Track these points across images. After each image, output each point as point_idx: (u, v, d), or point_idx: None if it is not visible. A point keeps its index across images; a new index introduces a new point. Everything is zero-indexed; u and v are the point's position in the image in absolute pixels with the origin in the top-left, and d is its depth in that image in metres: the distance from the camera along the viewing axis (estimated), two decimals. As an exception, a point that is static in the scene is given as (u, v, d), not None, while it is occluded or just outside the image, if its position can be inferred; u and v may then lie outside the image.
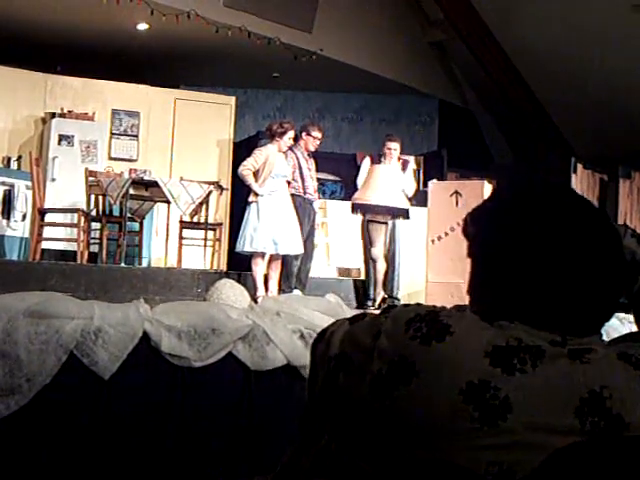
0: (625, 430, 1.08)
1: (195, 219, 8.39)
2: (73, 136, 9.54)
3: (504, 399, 1.08)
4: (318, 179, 8.34)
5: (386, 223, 7.82)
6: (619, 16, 9.28)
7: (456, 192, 7.78)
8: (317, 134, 7.66)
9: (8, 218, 8.94)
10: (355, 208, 7.88)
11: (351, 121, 13.07)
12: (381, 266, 7.81)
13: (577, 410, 1.08)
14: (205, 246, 8.41)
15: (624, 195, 10.70)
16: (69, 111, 9.73)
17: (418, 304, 1.21)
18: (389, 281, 8.00)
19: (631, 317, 1.37)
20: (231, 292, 6.32)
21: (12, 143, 9.79)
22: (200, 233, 8.45)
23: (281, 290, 7.16)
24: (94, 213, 8.05)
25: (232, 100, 10.89)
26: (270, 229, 6.91)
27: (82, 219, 7.74)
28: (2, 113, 9.71)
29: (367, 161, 8.08)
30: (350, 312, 4.37)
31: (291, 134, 7.18)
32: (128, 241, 7.91)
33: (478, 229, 1.24)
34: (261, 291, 6.93)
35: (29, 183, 8.32)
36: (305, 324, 4.41)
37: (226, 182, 9.95)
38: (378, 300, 7.84)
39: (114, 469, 3.80)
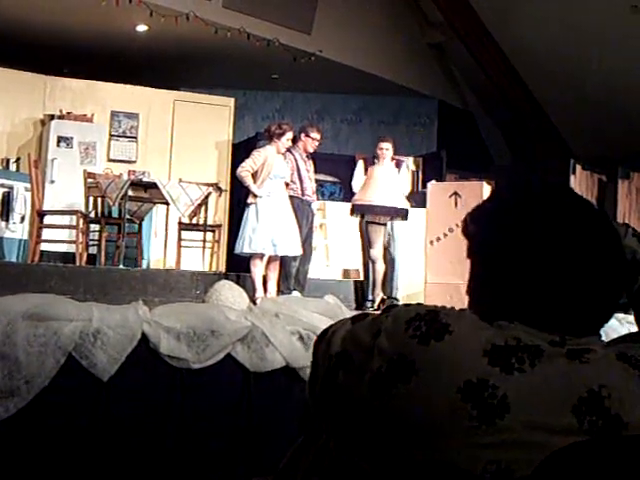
0: (624, 430, 1.08)
1: (194, 221, 8.39)
2: (72, 138, 9.54)
3: (502, 398, 1.08)
4: (317, 180, 8.33)
5: (385, 224, 7.82)
6: (617, 16, 9.29)
7: (455, 193, 7.78)
8: (316, 135, 7.66)
9: (7, 220, 8.93)
10: (355, 210, 7.88)
11: (350, 122, 13.08)
12: (380, 267, 7.81)
13: (575, 409, 1.08)
14: (204, 248, 8.41)
15: (623, 196, 10.70)
16: (68, 113, 9.73)
17: (419, 304, 1.21)
18: (388, 282, 8.00)
19: (630, 317, 1.37)
20: (230, 294, 6.31)
21: (11, 145, 9.79)
22: (199, 235, 8.44)
23: (280, 291, 7.16)
24: (93, 215, 8.05)
25: (231, 102, 10.90)
26: (269, 230, 6.91)
27: (81, 221, 7.74)
28: (1, 115, 9.72)
29: (360, 164, 8.09)
30: (349, 313, 4.37)
31: (289, 135, 7.18)
32: (127, 243, 7.91)
33: (478, 229, 1.24)
34: (260, 292, 6.92)
35: (28, 185, 8.32)
36: (304, 325, 4.41)
37: (225, 184, 9.95)
38: (377, 301, 7.85)
39: (114, 471, 3.79)
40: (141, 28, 10.08)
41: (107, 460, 3.77)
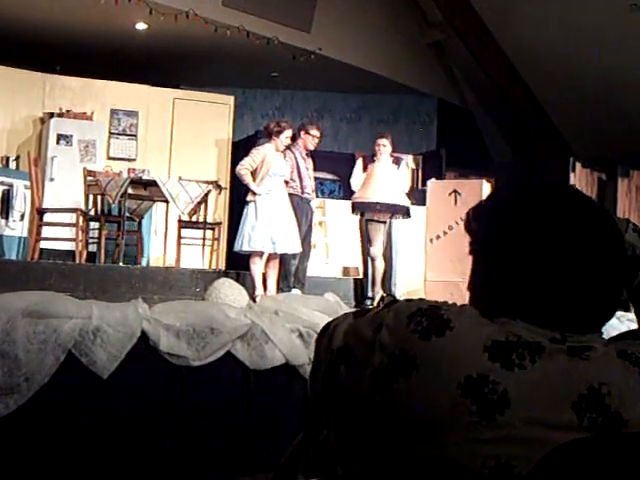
0: (623, 427, 1.08)
1: (194, 218, 8.39)
2: (72, 136, 9.54)
3: (502, 393, 1.08)
4: (317, 178, 8.33)
5: (385, 222, 7.82)
6: (617, 16, 9.28)
7: (455, 191, 7.79)
8: (316, 133, 7.66)
9: (7, 218, 8.94)
10: (355, 208, 7.88)
11: (350, 121, 13.08)
12: (380, 265, 7.81)
13: (575, 406, 1.08)
14: (204, 245, 8.41)
15: (622, 194, 10.71)
16: (67, 111, 9.72)
17: (421, 299, 1.21)
18: (387, 279, 8.01)
19: (629, 315, 1.37)
20: (230, 291, 6.32)
21: (11, 143, 9.79)
22: (199, 232, 8.44)
23: (280, 289, 7.16)
24: (93, 213, 8.04)
25: (231, 100, 10.90)
26: (268, 228, 6.91)
27: (81, 219, 7.73)
28: (1, 113, 9.72)
29: (359, 162, 8.09)
30: (349, 311, 4.37)
31: (288, 133, 7.17)
32: (127, 240, 7.90)
33: (479, 227, 1.24)
34: (259, 290, 6.92)
35: (27, 183, 8.31)
36: (304, 323, 4.42)
37: (225, 181, 9.95)
38: (377, 299, 7.85)
39: (113, 468, 3.80)
40: (141, 26, 10.07)
41: (107, 457, 3.78)
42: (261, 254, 7.01)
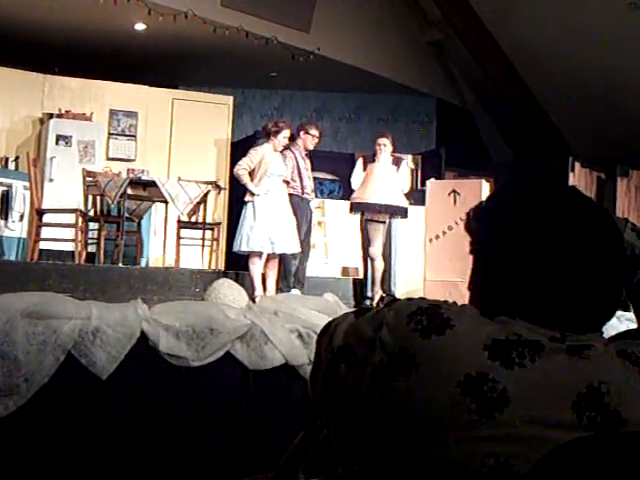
0: (623, 426, 1.09)
1: (193, 219, 8.39)
2: (71, 136, 9.54)
3: (502, 392, 1.08)
4: (316, 178, 8.33)
5: (384, 222, 7.82)
6: (616, 16, 9.28)
7: (454, 191, 7.79)
8: (315, 132, 7.66)
9: (6, 218, 8.94)
10: (354, 208, 7.88)
11: (349, 120, 13.08)
12: (379, 265, 7.81)
13: (574, 404, 1.08)
14: (203, 246, 8.42)
15: (621, 193, 10.71)
16: (67, 111, 9.73)
17: (421, 298, 1.22)
18: (386, 279, 8.01)
19: (628, 315, 1.37)
20: (229, 292, 6.32)
21: (10, 143, 9.79)
22: (198, 233, 8.45)
23: (279, 289, 7.16)
24: (92, 213, 8.05)
25: (230, 100, 10.90)
26: (266, 228, 6.90)
27: (80, 219, 7.73)
28: (0, 113, 9.71)
29: (360, 162, 8.09)
30: (349, 311, 4.37)
31: (286, 133, 7.16)
32: (126, 241, 7.89)
33: (480, 226, 1.24)
34: (259, 290, 6.92)
35: (27, 183, 8.31)
36: (303, 323, 4.41)
37: (224, 182, 9.95)
38: (376, 299, 7.85)
39: (113, 469, 3.80)
40: (140, 27, 10.07)
41: (107, 458, 3.77)
42: (260, 254, 7.00)
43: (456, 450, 1.08)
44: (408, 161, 9.51)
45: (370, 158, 7.95)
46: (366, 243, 7.88)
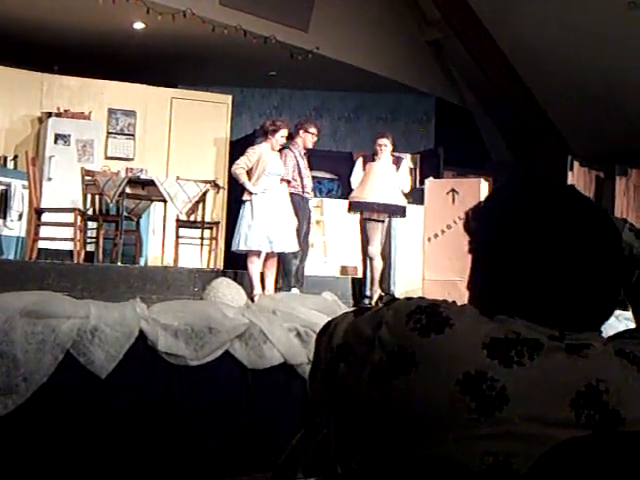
0: (621, 425, 1.09)
1: (192, 218, 8.38)
2: (69, 135, 9.53)
3: (501, 390, 1.08)
4: (315, 177, 8.33)
5: (383, 221, 7.82)
6: (616, 16, 9.28)
7: (453, 190, 7.79)
8: (314, 130, 7.65)
9: (5, 217, 8.94)
10: (352, 207, 7.88)
11: (348, 120, 13.07)
12: (378, 264, 7.81)
13: (573, 403, 1.09)
14: (202, 245, 8.42)
15: (620, 192, 10.72)
16: (65, 110, 9.72)
17: (421, 297, 1.22)
18: (385, 279, 8.01)
19: (627, 314, 1.37)
20: (228, 291, 6.31)
21: (8, 142, 9.79)
22: (197, 232, 8.44)
23: (280, 289, 7.16)
24: (91, 212, 8.04)
25: (229, 99, 10.90)
26: (264, 227, 6.90)
27: (79, 218, 7.73)
28: (-2, 113, 9.72)
29: (360, 161, 8.08)
30: (348, 310, 4.37)
31: (284, 132, 7.16)
32: (125, 240, 7.89)
33: (479, 226, 1.25)
34: (257, 290, 6.92)
35: (25, 182, 8.31)
36: (302, 322, 4.42)
37: (223, 181, 9.95)
38: (375, 298, 7.85)
39: (112, 467, 3.80)
40: (138, 26, 10.07)
41: (105, 456, 3.78)
42: (258, 253, 7.00)
43: (455, 448, 1.08)
44: (407, 160, 9.51)
45: (370, 157, 7.95)
46: (365, 242, 7.88)
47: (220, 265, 8.97)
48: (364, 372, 1.15)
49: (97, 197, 8.03)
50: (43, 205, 8.26)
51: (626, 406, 1.10)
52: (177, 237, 8.35)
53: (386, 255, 8.01)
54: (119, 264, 7.58)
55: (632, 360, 1.14)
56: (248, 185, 6.97)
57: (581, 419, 1.08)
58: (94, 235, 8.06)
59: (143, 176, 8.74)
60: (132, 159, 10.22)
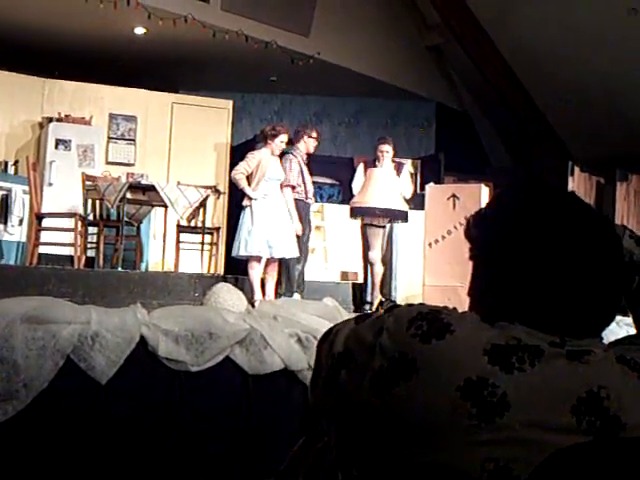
0: (622, 431, 1.09)
1: (192, 223, 8.39)
2: (70, 140, 9.53)
3: (502, 396, 1.09)
4: (315, 183, 8.34)
5: (384, 227, 7.82)
6: (616, 19, 9.28)
7: (453, 195, 7.77)
8: (315, 134, 7.67)
9: (5, 223, 8.94)
10: (354, 212, 7.88)
11: (348, 125, 13.08)
12: (379, 269, 7.80)
13: (574, 409, 1.09)
14: (202, 250, 8.42)
15: (621, 198, 10.71)
16: (66, 115, 9.73)
17: (421, 304, 1.22)
18: (386, 284, 8.00)
19: (627, 320, 1.37)
20: (228, 296, 6.31)
21: (9, 147, 9.80)
22: (197, 237, 8.45)
23: (280, 294, 7.16)
24: (91, 217, 8.05)
25: (229, 104, 10.91)
26: (264, 233, 6.89)
27: (79, 223, 7.73)
28: (-1, 117, 9.73)
29: (361, 167, 8.09)
30: (347, 316, 4.37)
31: (284, 137, 7.16)
32: (125, 245, 7.89)
33: (479, 233, 1.25)
34: (258, 295, 6.91)
35: (26, 188, 8.31)
36: (302, 328, 4.41)
37: (223, 186, 9.96)
38: (375, 303, 7.84)
39: (113, 473, 3.79)
40: (139, 31, 10.08)
41: (106, 463, 3.77)
42: (259, 259, 6.99)
43: (456, 455, 1.08)
44: (408, 166, 9.51)
45: (371, 163, 7.95)
46: (366, 248, 7.88)
47: (221, 270, 8.97)
48: (365, 379, 1.15)
49: (98, 202, 8.04)
50: (44, 210, 8.26)
51: (627, 412, 1.10)
52: (178, 242, 8.36)
53: (387, 261, 8.01)
54: (120, 269, 7.58)
55: (633, 367, 1.14)
56: (248, 190, 6.97)
57: (582, 425, 1.08)
58: (95, 240, 8.07)
59: (144, 181, 8.74)
60: (133, 164, 10.22)
